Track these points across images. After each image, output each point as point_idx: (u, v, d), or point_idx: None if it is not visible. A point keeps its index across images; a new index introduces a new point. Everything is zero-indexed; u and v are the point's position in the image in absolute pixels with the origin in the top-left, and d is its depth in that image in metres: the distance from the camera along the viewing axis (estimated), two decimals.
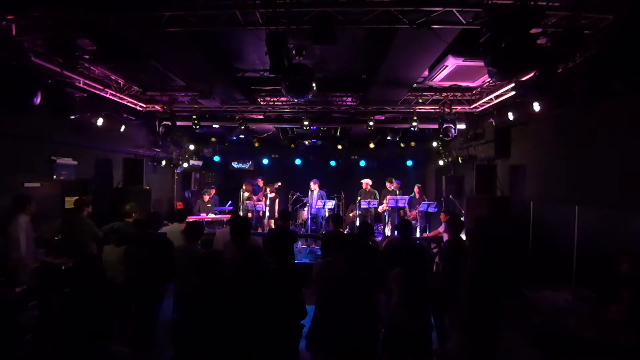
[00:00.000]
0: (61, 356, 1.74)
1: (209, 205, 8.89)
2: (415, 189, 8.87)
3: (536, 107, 5.42)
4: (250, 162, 12.59)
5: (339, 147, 10.81)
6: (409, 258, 3.17)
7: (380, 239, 6.82)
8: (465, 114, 7.43)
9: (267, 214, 9.10)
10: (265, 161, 12.20)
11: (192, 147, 10.67)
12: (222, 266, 2.77)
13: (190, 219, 7.77)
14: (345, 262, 3.12)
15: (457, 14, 3.65)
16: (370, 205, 8.67)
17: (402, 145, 10.31)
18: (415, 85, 6.42)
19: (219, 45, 5.25)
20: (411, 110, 7.50)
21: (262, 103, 7.76)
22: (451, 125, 7.14)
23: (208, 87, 6.42)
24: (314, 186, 9.46)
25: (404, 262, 3.18)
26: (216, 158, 11.74)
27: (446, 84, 6.40)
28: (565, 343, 3.29)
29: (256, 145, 10.51)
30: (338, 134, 10.54)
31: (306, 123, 7.81)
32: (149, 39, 4.50)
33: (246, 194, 9.20)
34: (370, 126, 7.81)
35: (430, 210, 8.44)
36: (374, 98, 6.94)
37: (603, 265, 3.66)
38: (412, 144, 9.47)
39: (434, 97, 7.11)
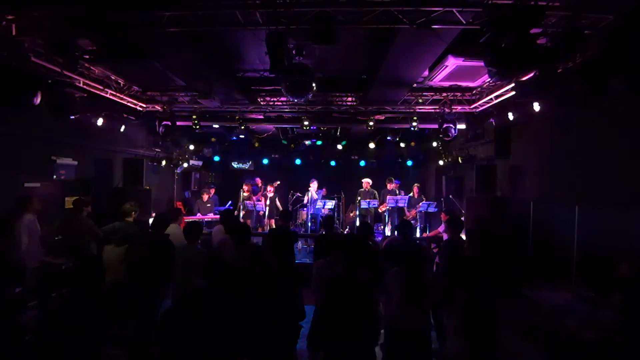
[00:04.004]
0: (56, 357, 1.73)
1: (208, 205, 8.89)
2: (414, 189, 8.87)
3: (536, 107, 5.42)
4: (250, 162, 12.59)
5: (339, 147, 10.81)
6: (409, 258, 3.17)
7: (380, 239, 6.82)
8: (465, 114, 7.43)
9: (267, 213, 9.10)
10: (265, 161, 12.20)
11: (192, 147, 10.66)
12: (224, 266, 2.77)
13: (189, 219, 7.80)
14: (344, 262, 3.12)
15: (457, 14, 3.65)
16: (370, 205, 8.67)
17: (402, 145, 10.31)
18: (415, 85, 6.42)
19: (219, 45, 5.25)
20: (411, 110, 7.50)
21: (262, 103, 7.75)
22: (451, 125, 7.13)
23: (208, 87, 6.42)
24: (313, 186, 9.47)
25: (404, 261, 3.18)
26: (216, 158, 11.74)
27: (446, 84, 6.40)
28: (565, 343, 3.29)
29: (256, 145, 10.50)
30: (338, 134, 10.54)
31: (306, 123, 7.80)
32: (149, 39, 4.50)
33: (246, 194, 9.20)
34: (370, 126, 7.81)
35: (430, 210, 8.44)
36: (374, 98, 6.94)
37: (603, 265, 3.66)
38: (412, 144, 9.46)
39: (434, 97, 7.10)
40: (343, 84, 6.99)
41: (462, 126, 7.47)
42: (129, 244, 4.17)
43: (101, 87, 6.27)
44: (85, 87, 5.96)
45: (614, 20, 3.71)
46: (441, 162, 9.69)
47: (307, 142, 11.16)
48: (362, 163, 11.92)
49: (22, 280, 4.51)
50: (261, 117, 8.34)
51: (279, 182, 10.02)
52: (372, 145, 10.34)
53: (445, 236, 6.06)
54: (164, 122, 7.44)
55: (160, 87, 6.96)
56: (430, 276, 3.60)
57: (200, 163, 11.27)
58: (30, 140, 5.65)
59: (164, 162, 9.41)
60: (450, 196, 8.82)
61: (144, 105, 7.65)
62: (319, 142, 11.01)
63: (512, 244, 5.97)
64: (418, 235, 8.23)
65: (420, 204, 8.46)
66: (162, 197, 9.78)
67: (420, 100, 7.26)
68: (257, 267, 3.23)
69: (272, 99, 7.69)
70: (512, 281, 5.01)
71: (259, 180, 10.40)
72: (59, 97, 5.25)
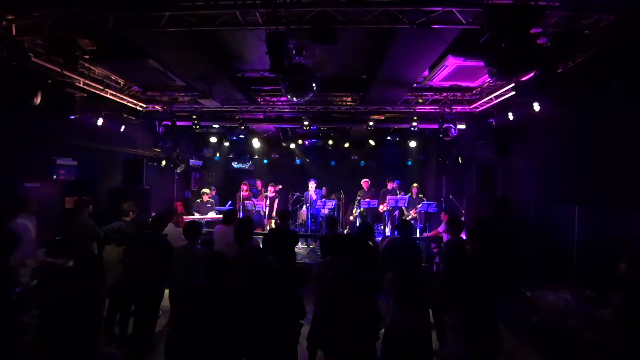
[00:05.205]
0: (56, 357, 1.73)
1: (209, 205, 8.88)
2: (413, 190, 8.86)
3: (536, 107, 5.42)
4: (250, 162, 12.59)
5: (339, 147, 10.81)
6: (403, 258, 3.17)
7: (380, 239, 6.82)
8: (465, 114, 7.43)
9: (267, 213, 9.09)
10: (265, 161, 12.20)
11: (192, 147, 10.66)
12: (225, 265, 2.77)
13: (188, 219, 7.80)
14: (345, 263, 3.12)
15: (457, 14, 3.66)
16: (370, 205, 8.67)
17: (402, 145, 10.30)
18: (415, 85, 6.42)
19: (219, 45, 5.25)
20: (411, 110, 7.50)
21: (262, 103, 7.76)
22: (451, 125, 7.14)
23: (208, 87, 6.42)
24: (311, 186, 9.47)
25: (402, 262, 3.18)
26: (216, 158, 11.74)
27: (446, 84, 6.40)
28: (565, 343, 3.29)
29: (256, 145, 10.49)
30: (338, 134, 10.54)
31: (306, 123, 7.80)
32: (148, 39, 4.50)
33: (245, 194, 9.20)
34: (370, 126, 7.81)
35: (430, 210, 8.44)
36: (374, 98, 6.94)
37: (603, 265, 3.66)
38: (413, 144, 9.46)
39: (434, 97, 7.11)
40: (343, 84, 6.99)
41: (462, 126, 7.47)
42: (127, 244, 4.17)
43: (101, 87, 6.27)
44: (85, 87, 5.96)
45: (614, 20, 3.71)
46: (441, 162, 9.69)
47: (307, 142, 11.15)
48: (362, 163, 11.92)
49: (21, 280, 4.50)
50: (261, 117, 8.35)
51: (280, 186, 10.01)
52: (372, 145, 10.34)
53: (445, 236, 6.07)
54: (164, 122, 7.44)
55: (160, 87, 6.96)
56: (428, 276, 3.60)
57: (200, 163, 11.27)
58: (30, 140, 5.65)
59: (164, 162, 9.40)
60: (450, 196, 8.81)
61: (144, 105, 7.65)
62: (319, 142, 11.00)
63: (512, 244, 5.97)
64: (418, 235, 8.23)
65: (421, 204, 8.45)
66: (162, 197, 9.77)
67: (420, 100, 7.26)
68: (256, 266, 3.24)
69: (272, 99, 7.69)
70: (512, 281, 5.02)
71: (259, 183, 10.38)
72: (59, 97, 5.25)
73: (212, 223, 8.36)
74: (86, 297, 1.89)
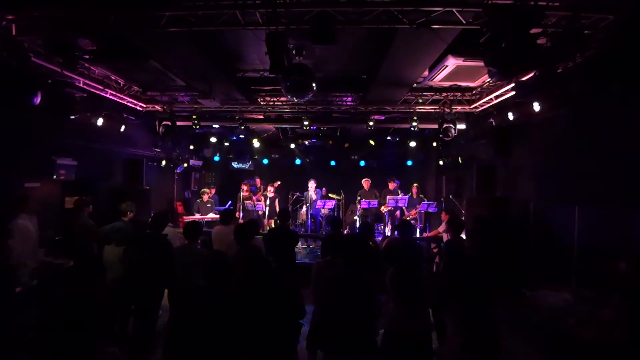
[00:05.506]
0: (56, 356, 1.74)
1: (209, 205, 8.89)
2: (413, 189, 8.87)
3: (536, 107, 5.42)
4: (250, 162, 12.59)
5: (339, 147, 10.81)
6: (402, 258, 3.17)
7: (380, 239, 6.82)
8: (465, 114, 7.43)
9: (267, 213, 9.10)
10: (265, 161, 12.20)
11: (192, 147, 10.66)
12: (225, 266, 2.77)
13: (188, 219, 7.80)
14: (345, 262, 3.12)
15: (457, 14, 3.66)
16: (371, 206, 8.67)
17: (402, 145, 10.30)
18: (415, 85, 6.42)
19: (219, 45, 5.25)
20: (411, 110, 7.50)
21: (262, 103, 7.76)
22: (451, 125, 7.13)
23: (208, 87, 6.42)
24: (311, 186, 9.46)
25: (401, 262, 3.19)
26: (216, 158, 11.74)
27: (446, 84, 6.40)
28: (565, 343, 3.29)
29: (256, 145, 10.51)
30: (338, 134, 10.53)
31: (306, 123, 7.80)
32: (149, 39, 4.50)
33: (245, 194, 9.20)
34: (370, 126, 7.81)
35: (430, 210, 8.44)
36: (374, 98, 6.94)
37: (603, 265, 3.67)
38: (413, 144, 9.45)
39: (434, 97, 7.11)
40: (343, 84, 6.99)
41: (462, 126, 7.47)
42: (127, 244, 4.17)
43: (101, 87, 6.27)
44: (85, 87, 5.96)
45: (614, 20, 3.71)
46: (441, 162, 9.69)
47: (307, 142, 11.14)
48: (362, 163, 11.92)
49: (21, 280, 4.50)
50: (261, 117, 8.34)
51: (279, 183, 10.03)
52: (372, 145, 10.34)
53: (445, 236, 6.07)
54: (164, 122, 7.44)
55: (160, 87, 6.96)
56: (428, 276, 3.60)
57: (200, 163, 11.27)
58: (30, 140, 5.65)
59: (164, 162, 9.41)
60: (450, 196, 8.82)
61: (144, 105, 7.65)
62: (319, 142, 11.00)
63: (512, 244, 5.97)
64: (418, 235, 8.23)
65: (421, 203, 8.46)
66: (162, 197, 9.78)
67: (420, 100, 7.26)
68: (256, 266, 3.24)
69: (272, 99, 7.69)
70: (512, 281, 5.02)
71: (258, 181, 10.39)
72: (59, 97, 5.26)
73: (212, 223, 8.37)
74: (86, 297, 1.89)
